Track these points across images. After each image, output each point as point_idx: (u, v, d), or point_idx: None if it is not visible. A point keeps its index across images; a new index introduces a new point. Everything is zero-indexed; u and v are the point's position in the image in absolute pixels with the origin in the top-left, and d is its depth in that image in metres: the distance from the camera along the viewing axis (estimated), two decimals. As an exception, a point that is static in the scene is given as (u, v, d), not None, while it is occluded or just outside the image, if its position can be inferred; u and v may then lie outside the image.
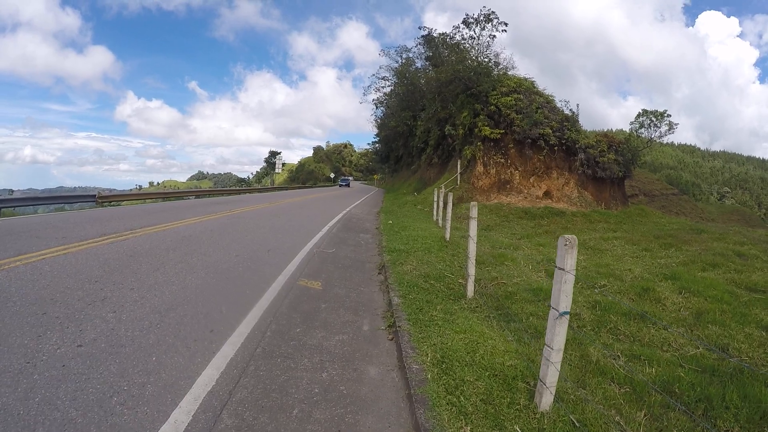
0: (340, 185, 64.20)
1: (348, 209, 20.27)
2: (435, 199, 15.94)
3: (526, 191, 20.86)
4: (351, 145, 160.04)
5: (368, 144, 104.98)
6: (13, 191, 17.10)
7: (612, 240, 12.51)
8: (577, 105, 24.55)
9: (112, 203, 19.99)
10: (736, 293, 6.68)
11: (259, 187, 60.06)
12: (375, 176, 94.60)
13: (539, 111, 21.41)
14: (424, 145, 34.62)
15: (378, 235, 11.79)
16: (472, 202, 6.01)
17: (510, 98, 21.96)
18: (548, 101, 23.12)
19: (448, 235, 10.30)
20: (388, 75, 41.02)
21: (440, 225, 13.47)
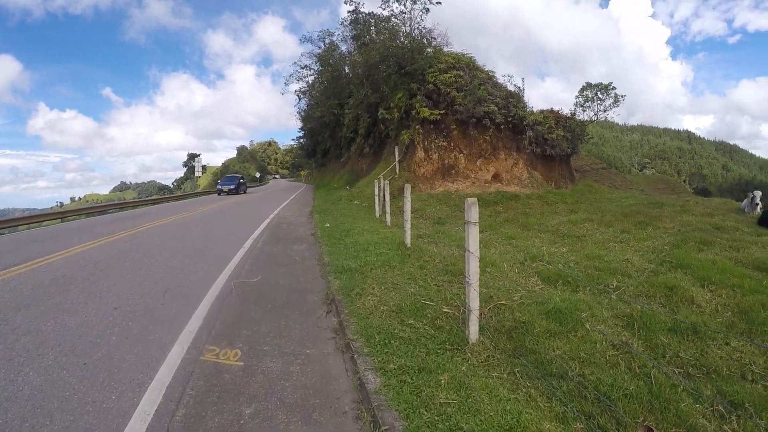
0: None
1: (275, 212, 18.08)
2: (376, 192, 14.41)
3: (473, 176, 19.57)
4: (275, 142, 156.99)
5: (293, 140, 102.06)
6: None
7: (582, 223, 11.55)
8: (522, 79, 23.70)
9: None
10: (754, 276, 6.03)
11: (179, 194, 56.09)
12: (302, 172, 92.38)
13: (482, 87, 20.10)
14: (354, 135, 32.50)
15: (316, 244, 9.86)
16: (468, 199, 4.06)
17: (449, 75, 20.54)
18: (489, 77, 21.96)
19: (408, 239, 8.27)
20: (310, 63, 38.88)
21: (388, 223, 11.75)
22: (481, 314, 4.44)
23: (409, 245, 8.22)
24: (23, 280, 6.88)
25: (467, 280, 4.03)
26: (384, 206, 12.28)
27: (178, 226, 13.71)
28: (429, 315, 4.79)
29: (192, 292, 6.20)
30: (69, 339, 4.52)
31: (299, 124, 59.57)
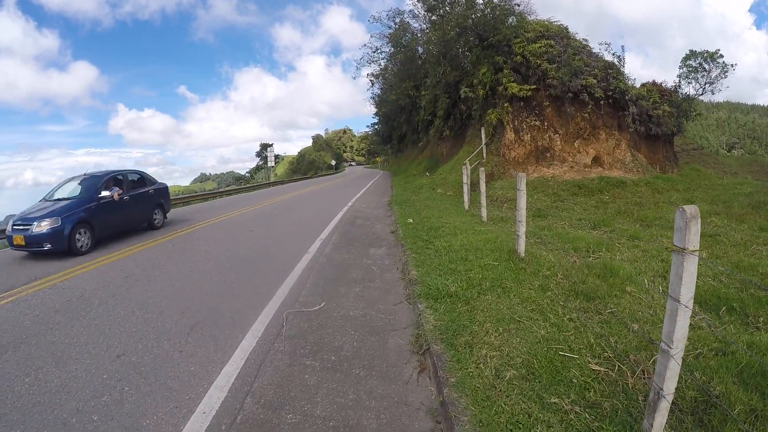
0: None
1: (350, 203, 16.45)
2: (464, 180, 12.46)
3: (570, 159, 17.16)
4: (350, 130, 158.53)
5: (368, 126, 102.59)
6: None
7: (707, 217, 9.45)
8: (622, 47, 21.09)
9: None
10: None
11: (252, 184, 56.98)
12: (377, 159, 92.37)
13: (577, 58, 17.65)
14: (432, 117, 30.40)
15: (398, 247, 8.00)
16: (687, 210, 2.49)
17: (538, 45, 18.17)
18: (583, 46, 19.28)
19: (522, 246, 6.18)
20: (381, 44, 37.55)
21: (483, 218, 9.92)
22: (642, 371, 3.02)
23: (522, 254, 6.17)
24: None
25: (666, 346, 2.23)
26: (479, 197, 10.38)
27: (235, 225, 12.32)
28: (576, 381, 3.00)
29: (224, 333, 4.50)
30: None
31: (373, 110, 58.63)
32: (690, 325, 3.02)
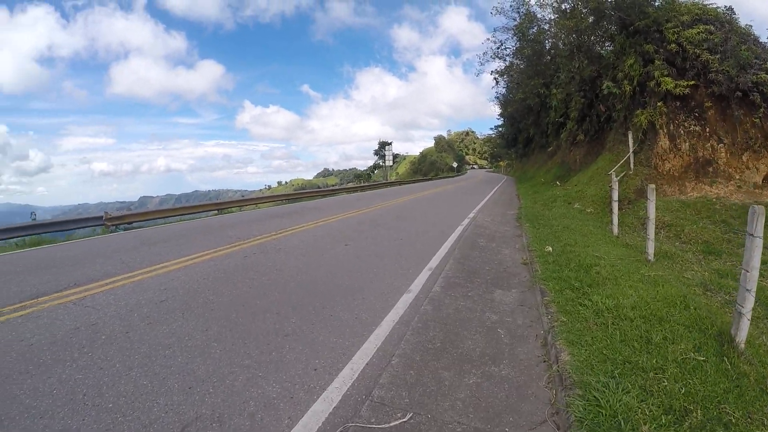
0: None
1: (472, 214, 14.39)
2: (615, 197, 10.27)
3: (738, 176, 13.64)
4: (473, 132, 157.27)
5: (491, 129, 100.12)
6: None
7: None
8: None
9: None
10: None
11: (368, 183, 57.33)
12: (501, 163, 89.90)
13: (743, 47, 14.14)
14: (564, 119, 27.93)
15: (533, 292, 5.99)
16: None
17: (696, 31, 14.97)
18: (748, 34, 15.58)
19: (742, 332, 3.81)
20: (506, 38, 35.48)
21: (650, 255, 7.59)
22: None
23: (743, 345, 3.80)
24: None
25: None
26: (629, 219, 8.73)
27: (330, 234, 10.88)
28: None
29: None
30: None
31: (497, 111, 56.91)
32: None
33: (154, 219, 17.78)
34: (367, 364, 3.94)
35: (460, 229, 11.38)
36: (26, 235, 13.55)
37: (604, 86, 18.98)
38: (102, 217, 15.16)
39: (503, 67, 38.30)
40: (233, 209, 21.46)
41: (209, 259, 8.31)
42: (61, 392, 3.60)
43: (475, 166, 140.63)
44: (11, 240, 13.55)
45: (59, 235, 14.43)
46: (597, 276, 6.05)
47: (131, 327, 4.92)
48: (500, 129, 66.65)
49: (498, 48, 34.83)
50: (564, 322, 4.52)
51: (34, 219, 14.41)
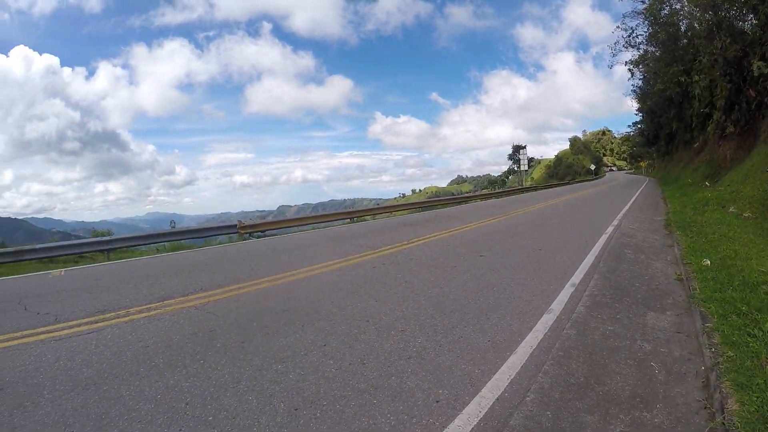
0: None
1: (615, 222, 12.75)
2: None
3: None
4: (609, 131, 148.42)
5: (628, 126, 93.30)
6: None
7: None
8: None
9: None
10: None
11: (503, 189, 56.12)
12: (641, 163, 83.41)
13: None
14: (709, 109, 24.91)
15: (691, 315, 4.99)
16: None
17: None
18: None
19: None
20: (636, 24, 32.65)
21: None
22: None
23: None
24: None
25: None
26: None
27: (463, 243, 10.29)
28: None
29: None
30: None
31: (634, 106, 52.60)
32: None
33: (286, 228, 18.36)
34: (497, 399, 3.32)
35: (604, 238, 10.25)
36: (166, 241, 14.66)
37: (754, 67, 16.43)
38: (236, 225, 15.91)
39: (637, 57, 34.96)
40: (366, 218, 21.71)
41: (337, 269, 8.19)
42: (166, 398, 3.53)
43: (614, 168, 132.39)
44: (153, 245, 14.71)
45: (197, 242, 15.39)
46: (767, 297, 4.93)
47: (248, 337, 4.80)
48: (639, 126, 61.76)
49: (629, 36, 31.96)
50: (730, 357, 3.61)
51: (173, 227, 15.56)
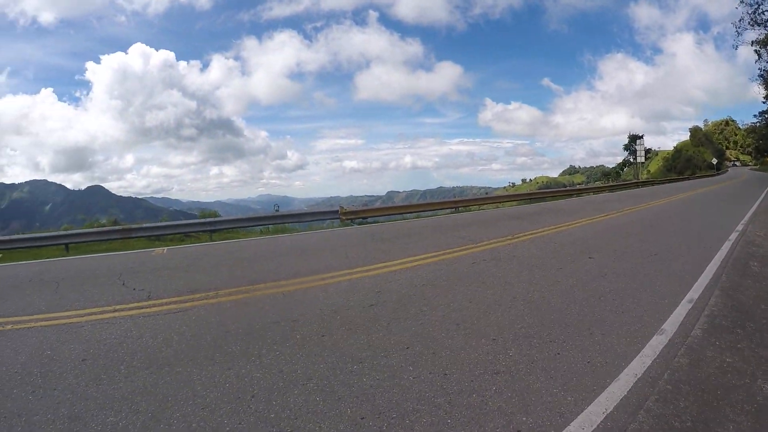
0: None
1: (738, 227, 11.09)
2: None
3: None
4: (733, 121, 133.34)
5: (755, 116, 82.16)
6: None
7: None
8: None
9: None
10: None
11: (617, 182, 53.10)
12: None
13: None
14: None
15: None
16: None
17: None
18: None
19: None
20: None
21: None
22: None
23: None
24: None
25: None
26: None
27: (571, 243, 9.52)
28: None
29: None
30: None
31: (761, 93, 46.86)
32: None
33: (388, 215, 18.26)
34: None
35: (727, 245, 8.90)
36: (270, 224, 15.22)
37: None
38: (338, 211, 16.12)
39: (763, 36, 30.86)
40: (472, 208, 21.20)
41: (433, 263, 7.92)
42: (233, 388, 3.48)
43: (737, 163, 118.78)
44: (257, 227, 15.34)
45: (300, 226, 15.81)
46: None
47: (329, 331, 4.68)
48: (766, 115, 54.75)
49: (754, 12, 28.37)
50: None
51: (277, 210, 16.08)
